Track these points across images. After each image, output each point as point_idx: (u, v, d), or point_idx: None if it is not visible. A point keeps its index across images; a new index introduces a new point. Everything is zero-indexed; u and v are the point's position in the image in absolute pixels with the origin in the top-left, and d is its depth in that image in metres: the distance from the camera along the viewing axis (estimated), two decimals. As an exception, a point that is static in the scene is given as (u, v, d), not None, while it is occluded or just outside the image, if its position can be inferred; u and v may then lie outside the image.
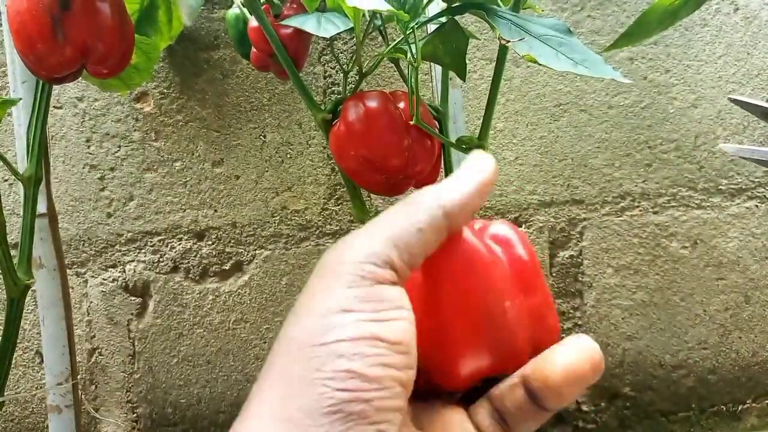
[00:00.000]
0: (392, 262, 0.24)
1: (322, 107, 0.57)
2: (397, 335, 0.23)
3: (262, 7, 0.56)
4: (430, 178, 0.57)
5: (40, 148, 0.59)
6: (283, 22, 0.53)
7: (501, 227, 0.29)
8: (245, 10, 0.63)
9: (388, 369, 0.23)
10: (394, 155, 0.49)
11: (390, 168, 0.50)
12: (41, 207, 0.68)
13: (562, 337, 0.28)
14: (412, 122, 0.49)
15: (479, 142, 0.53)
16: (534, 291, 0.28)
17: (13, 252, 0.58)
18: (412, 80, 0.49)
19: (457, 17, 0.49)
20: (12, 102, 0.61)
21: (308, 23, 0.51)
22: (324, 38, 0.51)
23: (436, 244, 0.26)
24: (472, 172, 0.27)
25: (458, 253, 0.27)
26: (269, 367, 0.24)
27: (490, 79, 0.57)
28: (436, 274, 0.27)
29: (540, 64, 0.43)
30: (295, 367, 0.23)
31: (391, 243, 0.25)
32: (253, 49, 0.64)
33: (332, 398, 0.21)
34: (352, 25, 0.50)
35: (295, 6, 0.62)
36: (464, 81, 0.53)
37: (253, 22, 0.61)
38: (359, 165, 0.50)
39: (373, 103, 0.51)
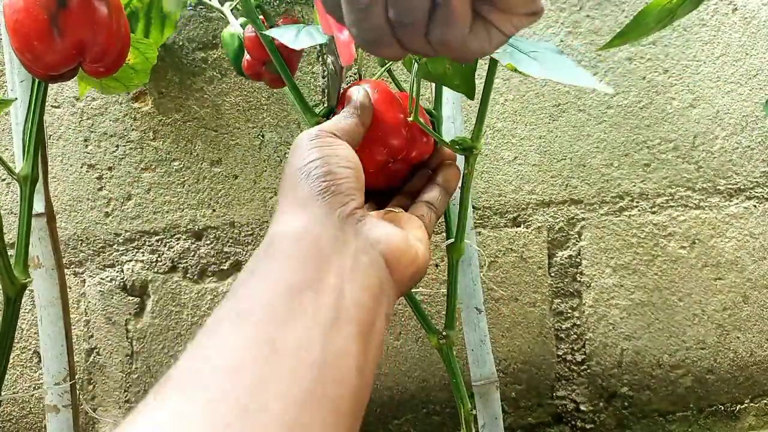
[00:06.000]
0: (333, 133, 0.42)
1: (320, 107, 0.57)
2: (346, 153, 0.41)
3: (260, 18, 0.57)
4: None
5: (35, 148, 0.59)
6: (265, 33, 0.54)
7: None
8: (240, 30, 0.64)
9: (347, 169, 0.39)
10: (396, 135, 0.49)
11: (392, 147, 0.49)
12: (39, 206, 0.68)
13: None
14: (410, 119, 0.49)
15: (472, 143, 0.53)
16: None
17: (10, 252, 0.58)
18: (414, 83, 0.49)
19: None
20: (7, 102, 0.61)
21: (286, 35, 0.51)
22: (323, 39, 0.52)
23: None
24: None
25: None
26: (282, 198, 0.39)
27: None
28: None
29: (520, 72, 0.44)
30: (294, 185, 0.38)
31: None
32: (246, 57, 0.64)
33: (319, 186, 0.37)
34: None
35: (289, 19, 0.63)
36: (473, 99, 0.54)
37: (248, 33, 0.62)
38: (361, 145, 0.50)
39: (374, 87, 0.51)
